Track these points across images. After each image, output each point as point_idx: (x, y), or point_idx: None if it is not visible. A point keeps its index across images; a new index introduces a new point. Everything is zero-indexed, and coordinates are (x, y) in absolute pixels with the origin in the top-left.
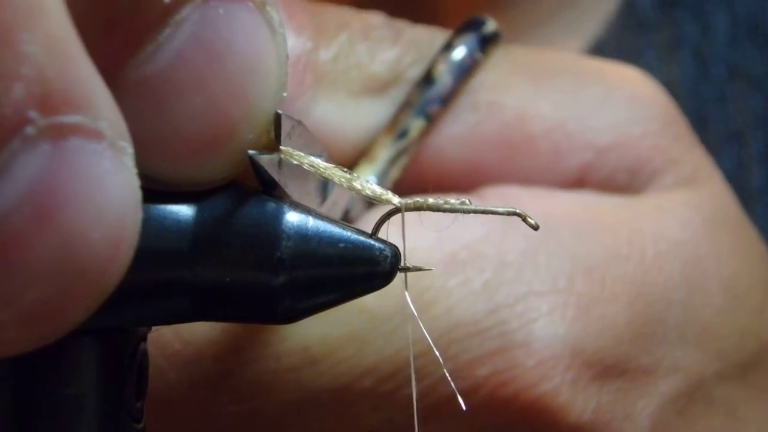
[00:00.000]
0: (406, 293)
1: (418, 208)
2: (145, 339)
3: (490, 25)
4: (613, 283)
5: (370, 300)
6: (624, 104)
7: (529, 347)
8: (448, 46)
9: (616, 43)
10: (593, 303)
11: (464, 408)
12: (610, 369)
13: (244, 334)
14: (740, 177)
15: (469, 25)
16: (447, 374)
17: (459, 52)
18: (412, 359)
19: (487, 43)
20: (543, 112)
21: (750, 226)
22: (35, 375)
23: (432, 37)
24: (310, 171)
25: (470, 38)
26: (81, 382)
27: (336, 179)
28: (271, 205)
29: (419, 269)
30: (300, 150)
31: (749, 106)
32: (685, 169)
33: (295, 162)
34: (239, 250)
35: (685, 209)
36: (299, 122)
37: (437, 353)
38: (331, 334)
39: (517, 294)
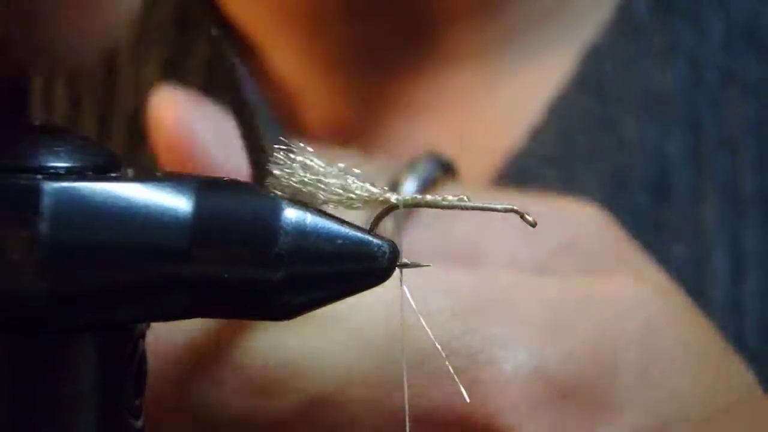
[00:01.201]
0: (405, 289)
1: (416, 204)
2: (143, 336)
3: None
4: (581, 326)
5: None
6: None
7: (490, 368)
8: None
9: (611, 49)
10: (559, 337)
11: (468, 401)
12: (570, 394)
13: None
14: (734, 184)
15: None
16: (452, 371)
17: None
18: (404, 363)
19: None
20: None
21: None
22: (34, 373)
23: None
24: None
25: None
26: (80, 380)
27: (328, 182)
28: (269, 201)
29: (418, 265)
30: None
31: (743, 112)
32: None
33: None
34: (238, 246)
35: (640, 287)
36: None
37: (439, 348)
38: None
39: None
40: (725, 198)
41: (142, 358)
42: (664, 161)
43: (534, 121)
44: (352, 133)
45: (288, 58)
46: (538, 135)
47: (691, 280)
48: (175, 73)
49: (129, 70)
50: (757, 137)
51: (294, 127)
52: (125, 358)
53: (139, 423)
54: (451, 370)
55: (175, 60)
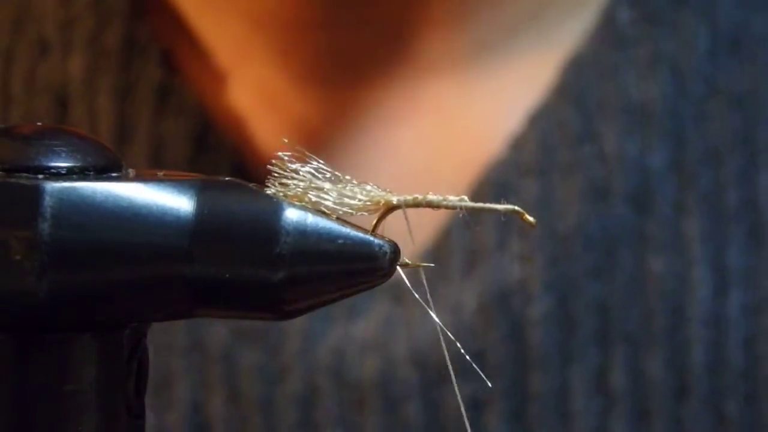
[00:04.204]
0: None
1: (417, 204)
2: (145, 335)
3: None
4: None
5: None
6: None
7: None
8: None
9: (593, 59)
10: None
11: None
12: None
13: None
14: (717, 197)
15: None
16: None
17: None
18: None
19: None
20: None
21: None
22: (35, 373)
23: None
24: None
25: None
26: (81, 380)
27: (329, 188)
28: (270, 202)
29: (418, 266)
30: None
31: (728, 124)
32: None
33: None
34: (239, 246)
35: None
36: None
37: (452, 337)
38: None
39: None
40: (708, 212)
41: (143, 358)
42: (646, 173)
43: (513, 131)
44: (326, 144)
45: (261, 69)
46: (517, 146)
47: (672, 294)
48: (127, 101)
49: (81, 101)
50: (741, 150)
51: (250, 155)
52: (126, 357)
53: (141, 422)
54: (463, 351)
55: (126, 87)
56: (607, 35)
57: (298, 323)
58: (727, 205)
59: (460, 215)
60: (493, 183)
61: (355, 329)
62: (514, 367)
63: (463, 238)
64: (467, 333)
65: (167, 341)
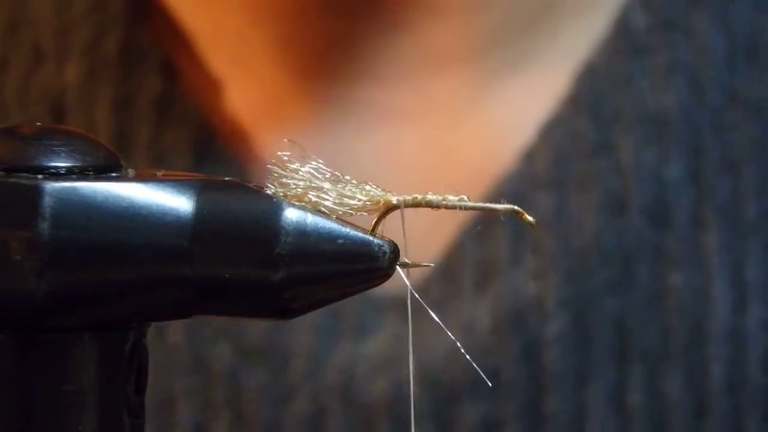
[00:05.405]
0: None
1: (416, 204)
2: (144, 335)
3: None
4: None
5: None
6: None
7: None
8: None
9: (608, 68)
10: None
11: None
12: None
13: None
14: (736, 209)
15: None
16: (468, 358)
17: None
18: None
19: None
20: None
21: None
22: (36, 372)
23: None
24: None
25: None
26: (81, 379)
27: (328, 188)
28: (271, 202)
29: (418, 265)
30: None
31: (746, 134)
32: None
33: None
34: (238, 246)
35: None
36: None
37: (453, 338)
38: None
39: None
40: (727, 224)
41: (143, 357)
42: (663, 186)
43: (526, 140)
44: (329, 143)
45: (261, 67)
46: (531, 157)
47: (691, 310)
48: (126, 111)
49: (78, 111)
50: (759, 160)
51: (252, 163)
52: (125, 357)
53: (140, 421)
54: (468, 357)
55: (126, 97)
56: (622, 43)
57: (304, 341)
58: (745, 217)
59: (474, 227)
60: (507, 196)
61: (363, 348)
62: (528, 387)
63: (476, 253)
64: (481, 351)
65: (170, 360)
